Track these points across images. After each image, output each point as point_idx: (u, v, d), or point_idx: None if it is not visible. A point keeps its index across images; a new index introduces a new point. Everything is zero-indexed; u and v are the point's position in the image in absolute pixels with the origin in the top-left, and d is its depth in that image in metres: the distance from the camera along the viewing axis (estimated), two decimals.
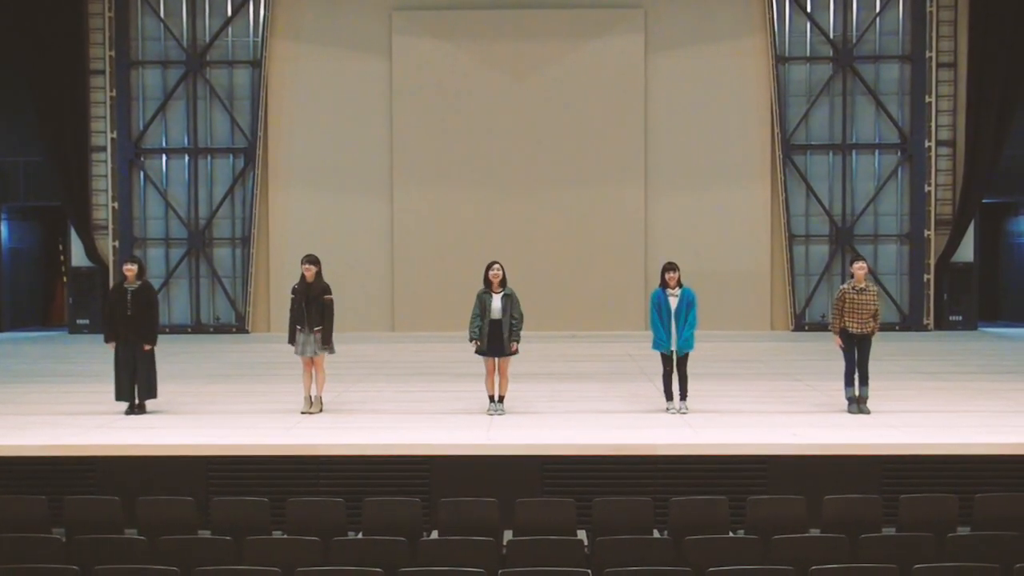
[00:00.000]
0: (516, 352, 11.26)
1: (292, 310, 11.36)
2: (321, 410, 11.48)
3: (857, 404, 11.20)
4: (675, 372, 11.28)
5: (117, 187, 21.61)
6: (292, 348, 11.46)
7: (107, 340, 11.44)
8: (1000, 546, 7.13)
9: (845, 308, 11.08)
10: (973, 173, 20.83)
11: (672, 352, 11.13)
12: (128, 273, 11.36)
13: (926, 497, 8.10)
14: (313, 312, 11.22)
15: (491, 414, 11.22)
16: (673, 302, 11.07)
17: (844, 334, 11.15)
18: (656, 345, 11.22)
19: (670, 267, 11.15)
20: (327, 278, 11.52)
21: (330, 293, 11.38)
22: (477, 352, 11.28)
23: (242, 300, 21.69)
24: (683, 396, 11.35)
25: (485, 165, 21.43)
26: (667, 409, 11.35)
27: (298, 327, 11.30)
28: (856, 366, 11.20)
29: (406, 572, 6.81)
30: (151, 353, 11.41)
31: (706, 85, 21.36)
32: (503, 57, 21.44)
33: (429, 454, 9.62)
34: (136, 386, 11.36)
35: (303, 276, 11.34)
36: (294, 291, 11.39)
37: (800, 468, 9.41)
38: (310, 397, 11.47)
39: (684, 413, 11.22)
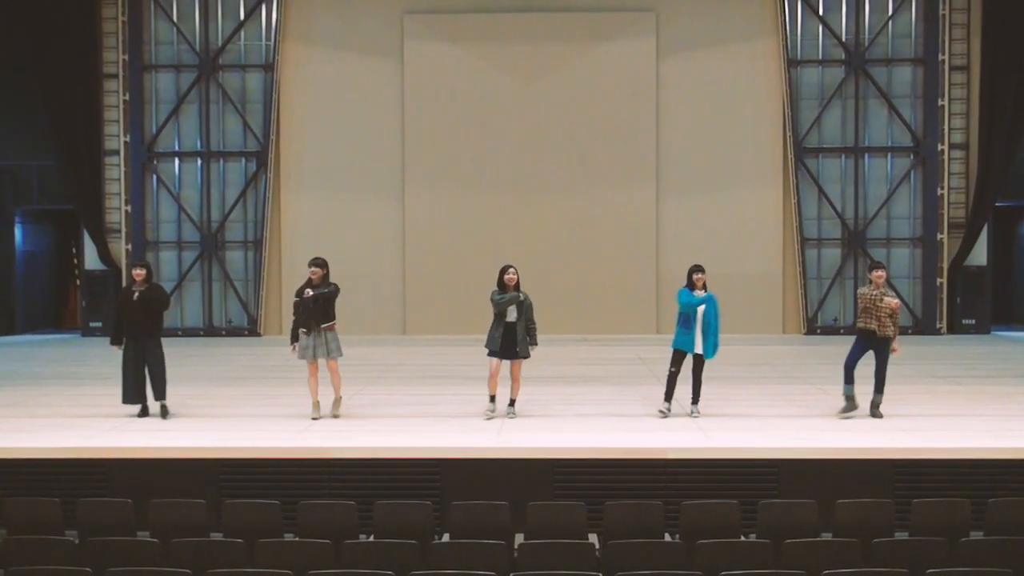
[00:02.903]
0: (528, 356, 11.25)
1: (296, 313, 11.36)
2: (339, 411, 11.45)
3: (870, 409, 11.14)
4: (682, 373, 11.25)
5: (130, 190, 21.68)
6: (295, 353, 11.40)
7: (113, 343, 11.56)
8: (1013, 551, 7.10)
9: (864, 308, 11.00)
10: (986, 176, 20.74)
11: (695, 355, 11.11)
12: (137, 277, 11.44)
13: (939, 501, 8.07)
14: (319, 311, 11.23)
15: (489, 417, 11.17)
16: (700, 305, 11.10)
17: (864, 332, 11.05)
18: (677, 344, 11.20)
19: (698, 268, 11.17)
20: (339, 280, 11.55)
21: (337, 288, 11.39)
22: (490, 355, 11.29)
23: (254, 303, 21.74)
24: (695, 400, 11.35)
25: (497, 168, 21.43)
26: (660, 411, 11.27)
27: (302, 330, 11.27)
28: (874, 373, 11.09)
29: (417, 575, 6.82)
30: (161, 352, 11.45)
31: (718, 88, 21.31)
32: (515, 61, 21.44)
33: (440, 457, 9.64)
34: (150, 385, 11.37)
35: (310, 279, 11.34)
36: (299, 294, 11.38)
37: (812, 472, 9.40)
38: (318, 402, 11.45)
39: (695, 417, 11.21)
